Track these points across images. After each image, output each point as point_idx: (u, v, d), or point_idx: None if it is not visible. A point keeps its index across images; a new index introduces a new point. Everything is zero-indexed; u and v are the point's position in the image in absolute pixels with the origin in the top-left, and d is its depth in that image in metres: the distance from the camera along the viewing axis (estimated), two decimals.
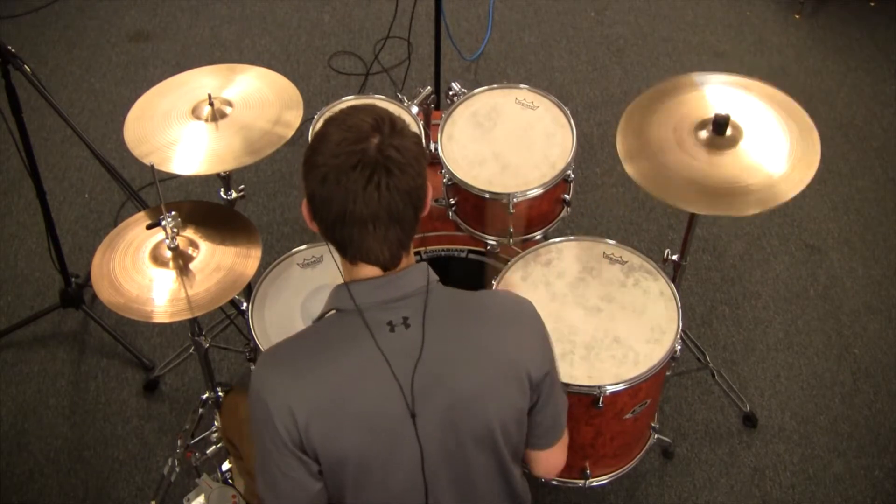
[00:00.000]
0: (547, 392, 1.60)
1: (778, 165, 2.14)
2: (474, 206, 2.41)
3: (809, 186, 2.10)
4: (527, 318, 1.58)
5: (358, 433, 1.46)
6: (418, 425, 1.47)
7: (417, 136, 1.47)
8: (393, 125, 1.43)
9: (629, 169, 2.18)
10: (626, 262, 2.29)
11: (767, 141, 2.19)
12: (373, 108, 1.45)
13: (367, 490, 1.51)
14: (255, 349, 2.20)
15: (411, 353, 1.46)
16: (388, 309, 1.47)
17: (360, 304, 1.46)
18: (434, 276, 1.52)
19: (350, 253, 1.47)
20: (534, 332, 1.57)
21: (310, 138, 2.44)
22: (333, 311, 1.51)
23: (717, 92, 2.30)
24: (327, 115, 1.50)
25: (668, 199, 2.13)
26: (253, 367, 2.20)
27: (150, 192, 3.12)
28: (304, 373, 1.46)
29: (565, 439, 1.71)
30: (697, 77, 2.35)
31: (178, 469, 2.55)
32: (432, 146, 2.48)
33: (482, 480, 1.58)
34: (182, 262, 2.06)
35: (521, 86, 2.56)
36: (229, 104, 2.34)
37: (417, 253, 2.53)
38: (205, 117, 2.30)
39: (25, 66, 2.48)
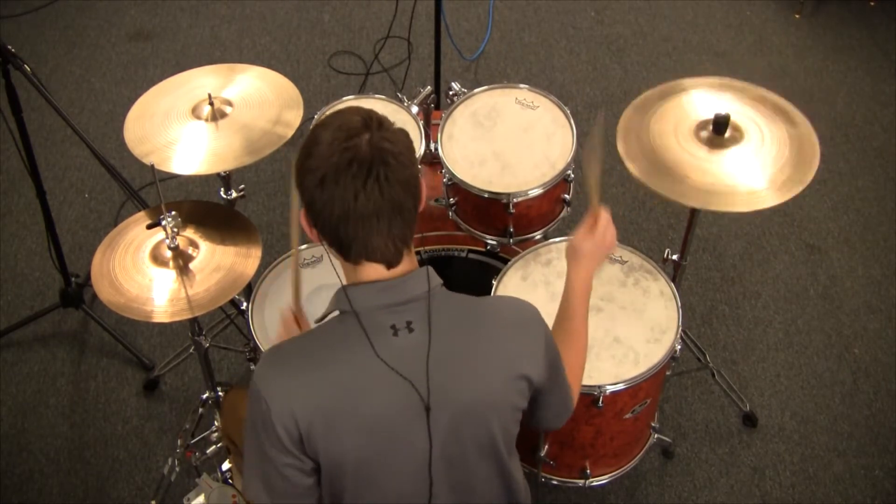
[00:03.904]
0: (549, 388, 1.60)
1: (778, 164, 2.14)
2: (474, 205, 2.41)
3: (809, 186, 2.10)
4: (530, 325, 1.57)
5: (360, 436, 1.45)
6: (431, 419, 1.46)
7: (404, 130, 1.48)
8: (381, 122, 1.44)
9: (630, 167, 2.17)
10: (626, 261, 2.29)
11: (767, 140, 2.19)
12: (357, 108, 1.47)
13: (368, 492, 1.51)
14: (255, 349, 2.20)
15: (418, 355, 1.45)
16: (391, 312, 1.46)
17: (364, 307, 1.46)
18: (437, 281, 1.51)
19: (354, 252, 1.46)
20: (537, 338, 1.56)
21: None
22: (337, 313, 1.51)
23: (717, 93, 2.30)
24: (318, 120, 1.51)
25: (668, 193, 2.13)
26: (254, 367, 2.20)
27: (150, 192, 3.12)
28: (307, 374, 1.45)
29: (575, 400, 1.72)
30: (697, 79, 2.35)
31: (178, 469, 2.55)
32: (432, 146, 2.48)
33: (482, 486, 1.58)
34: (182, 261, 2.06)
35: (521, 86, 2.56)
36: (229, 104, 2.34)
37: (417, 253, 2.52)
38: (205, 117, 2.30)
39: (25, 66, 2.48)
